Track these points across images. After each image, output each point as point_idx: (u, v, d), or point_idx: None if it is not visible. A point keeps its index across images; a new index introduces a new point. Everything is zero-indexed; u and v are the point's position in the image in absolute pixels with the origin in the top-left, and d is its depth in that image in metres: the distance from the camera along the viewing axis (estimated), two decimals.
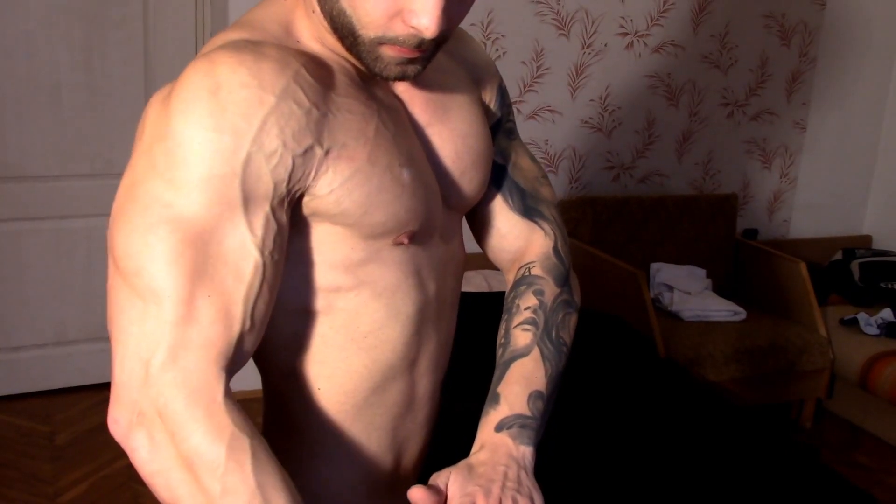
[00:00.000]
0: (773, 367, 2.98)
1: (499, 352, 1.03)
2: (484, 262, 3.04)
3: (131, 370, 0.77)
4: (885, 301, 3.35)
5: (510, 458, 0.91)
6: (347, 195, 0.85)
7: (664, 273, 3.21)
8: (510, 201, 1.11)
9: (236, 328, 0.80)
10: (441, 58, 1.01)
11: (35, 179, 2.78)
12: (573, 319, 1.07)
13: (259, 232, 0.81)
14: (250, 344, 0.82)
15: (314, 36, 0.90)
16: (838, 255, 3.59)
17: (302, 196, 0.85)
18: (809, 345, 3.04)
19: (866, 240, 3.90)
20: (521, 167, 1.13)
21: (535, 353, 1.00)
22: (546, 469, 1.00)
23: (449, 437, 0.88)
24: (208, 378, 0.77)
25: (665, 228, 3.32)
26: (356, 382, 0.95)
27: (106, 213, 2.98)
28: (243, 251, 0.80)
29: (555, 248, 1.09)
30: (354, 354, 0.94)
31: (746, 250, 3.45)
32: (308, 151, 0.82)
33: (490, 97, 1.11)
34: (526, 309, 1.04)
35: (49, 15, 2.67)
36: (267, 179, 0.80)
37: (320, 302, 0.91)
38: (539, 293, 1.05)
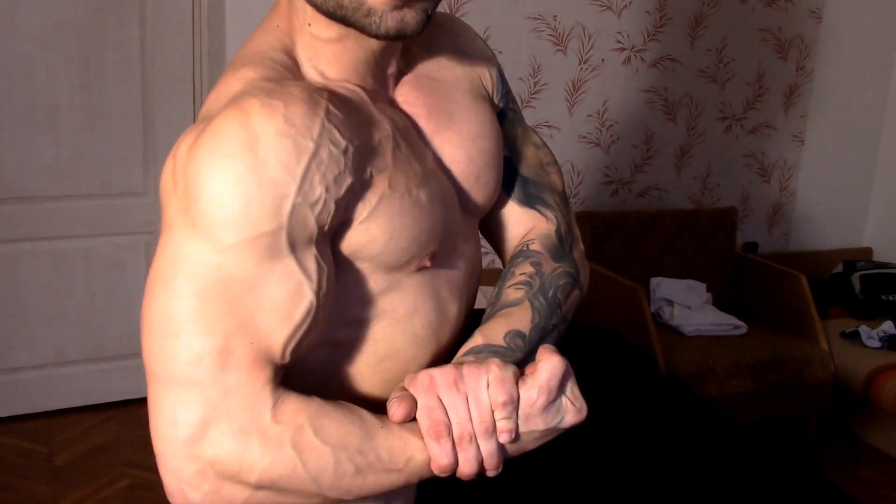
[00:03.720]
0: (774, 381, 2.97)
1: (487, 310, 1.00)
2: (484, 278, 3.03)
3: (166, 436, 0.76)
4: (887, 314, 3.34)
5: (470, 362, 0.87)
6: (375, 223, 0.84)
7: (664, 287, 3.20)
8: (512, 191, 1.09)
9: (278, 361, 0.80)
10: (438, 58, 1.00)
11: (33, 200, 2.78)
12: (574, 293, 1.04)
13: (314, 276, 0.79)
14: (291, 362, 0.82)
15: (310, 60, 0.88)
16: (839, 268, 3.58)
17: (339, 230, 0.83)
18: (811, 358, 3.02)
19: (867, 252, 3.89)
20: (526, 155, 1.11)
21: (525, 304, 0.98)
22: (547, 489, 0.99)
23: None
24: (254, 405, 0.77)
25: (664, 243, 3.32)
26: (369, 404, 0.94)
27: (104, 233, 2.98)
28: (298, 296, 0.78)
29: (557, 231, 1.07)
30: (369, 378, 0.93)
31: (746, 264, 3.44)
32: (348, 191, 0.80)
33: (491, 88, 1.08)
34: (521, 274, 1.02)
35: (46, 36, 2.68)
36: (312, 225, 0.78)
37: (341, 334, 0.90)
38: (536, 264, 1.03)
